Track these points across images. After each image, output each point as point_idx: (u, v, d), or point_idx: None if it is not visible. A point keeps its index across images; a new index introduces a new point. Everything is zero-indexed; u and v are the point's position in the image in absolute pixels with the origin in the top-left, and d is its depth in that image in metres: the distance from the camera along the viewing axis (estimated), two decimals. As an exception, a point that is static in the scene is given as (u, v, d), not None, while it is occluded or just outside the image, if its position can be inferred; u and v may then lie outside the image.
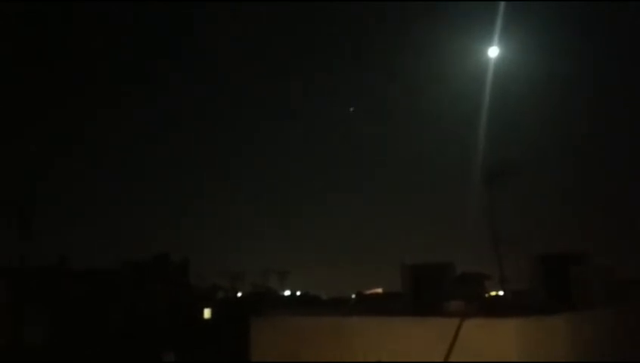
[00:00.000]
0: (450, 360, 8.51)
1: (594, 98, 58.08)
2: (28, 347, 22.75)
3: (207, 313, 35.18)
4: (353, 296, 49.20)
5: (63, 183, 63.01)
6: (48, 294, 25.29)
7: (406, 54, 60.55)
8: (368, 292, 49.22)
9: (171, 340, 24.75)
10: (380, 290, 48.58)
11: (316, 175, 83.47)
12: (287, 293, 51.22)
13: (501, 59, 27.40)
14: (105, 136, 73.75)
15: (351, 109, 62.41)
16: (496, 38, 26.73)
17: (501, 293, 25.28)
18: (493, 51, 26.81)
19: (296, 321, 12.14)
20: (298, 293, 52.37)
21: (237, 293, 45.95)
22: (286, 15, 65.57)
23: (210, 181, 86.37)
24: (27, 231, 25.24)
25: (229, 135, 78.46)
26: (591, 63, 49.00)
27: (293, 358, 10.88)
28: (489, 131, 32.28)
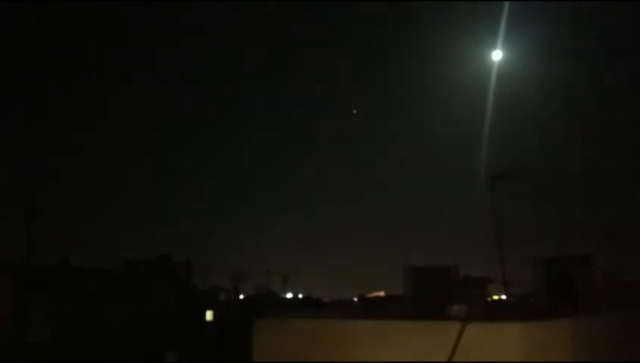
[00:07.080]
0: (452, 364, 8.44)
1: (597, 101, 57.97)
2: (31, 346, 22.78)
3: (209, 315, 35.11)
4: (355, 298, 49.12)
5: (64, 184, 63.22)
6: (52, 293, 25.32)
7: (410, 57, 60.55)
8: (370, 295, 49.13)
9: (173, 341, 24.74)
10: (382, 293, 48.52)
11: (319, 177, 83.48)
12: (290, 295, 51.14)
13: (504, 62, 27.39)
14: (108, 137, 73.99)
15: (354, 111, 62.60)
16: (500, 41, 26.73)
17: (504, 296, 25.19)
18: (497, 55, 26.80)
19: (298, 324, 12.12)
20: (300, 296, 52.30)
21: (239, 294, 45.89)
22: (290, 17, 65.66)
23: (213, 182, 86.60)
24: (32, 229, 25.28)
25: (232, 137, 78.64)
26: (595, 66, 48.93)
27: (295, 360, 10.83)
28: (493, 134, 32.24)
